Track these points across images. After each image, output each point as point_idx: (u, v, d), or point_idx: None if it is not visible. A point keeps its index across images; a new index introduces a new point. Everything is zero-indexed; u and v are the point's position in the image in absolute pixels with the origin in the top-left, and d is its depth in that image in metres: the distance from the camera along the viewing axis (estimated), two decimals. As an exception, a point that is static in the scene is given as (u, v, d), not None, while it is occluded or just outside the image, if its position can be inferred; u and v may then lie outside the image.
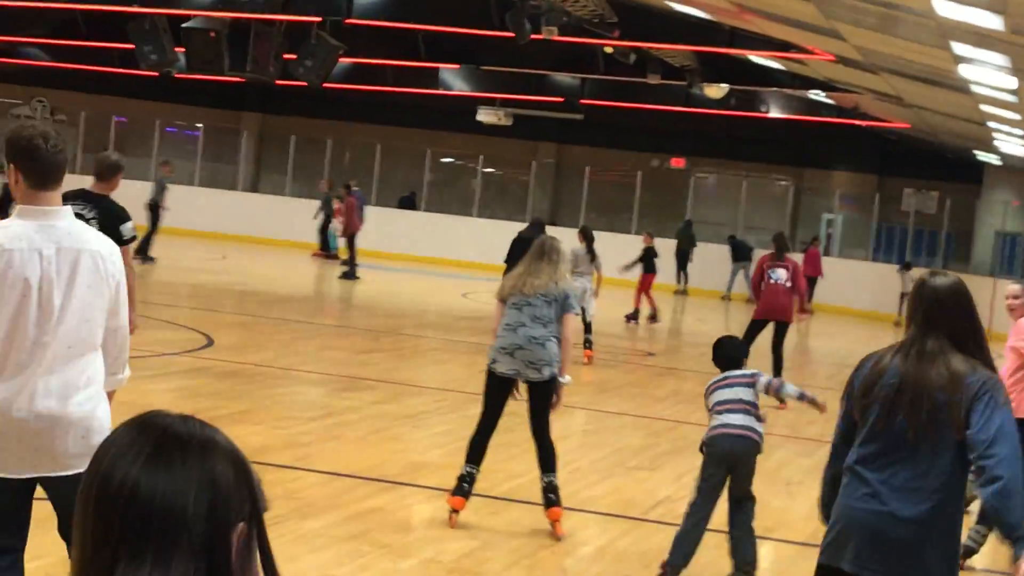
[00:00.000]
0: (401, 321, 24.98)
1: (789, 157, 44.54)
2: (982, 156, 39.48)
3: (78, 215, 6.15)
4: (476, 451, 10.00)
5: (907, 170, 43.01)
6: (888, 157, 43.61)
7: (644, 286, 27.21)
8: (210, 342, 18.17)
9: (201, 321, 20.68)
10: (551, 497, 9.85)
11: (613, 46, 27.00)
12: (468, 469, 9.94)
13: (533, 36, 22.93)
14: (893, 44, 20.61)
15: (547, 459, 9.92)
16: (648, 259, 27.18)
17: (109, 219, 9.93)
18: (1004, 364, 10.28)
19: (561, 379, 10.13)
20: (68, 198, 6.91)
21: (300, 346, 19.84)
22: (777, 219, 44.20)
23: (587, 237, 20.75)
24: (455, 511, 9.89)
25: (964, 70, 20.47)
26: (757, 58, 28.46)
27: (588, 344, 20.22)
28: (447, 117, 43.60)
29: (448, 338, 22.61)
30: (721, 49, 26.91)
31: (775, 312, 17.95)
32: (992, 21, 15.18)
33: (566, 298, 10.10)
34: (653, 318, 27.41)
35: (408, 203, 44.31)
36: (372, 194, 41.82)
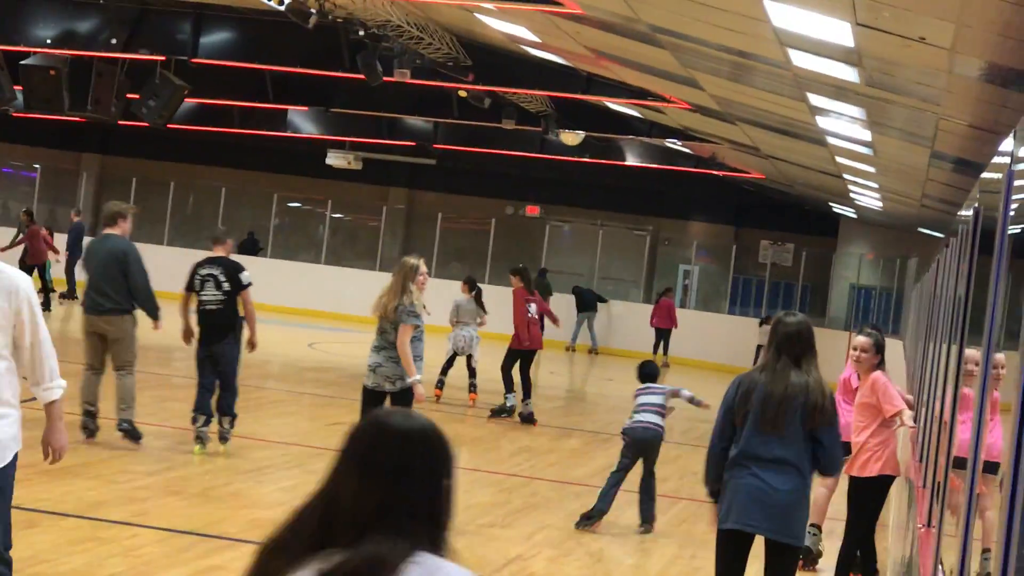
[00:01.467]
0: (244, 372, 24.71)
1: (646, 206, 44.97)
2: (838, 209, 40.28)
3: (211, 275, 13.81)
4: None
5: (764, 221, 43.78)
6: (745, 208, 44.31)
7: None
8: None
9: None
10: None
11: (467, 90, 27.15)
12: None
13: (386, 79, 23.01)
14: (750, 94, 20.97)
15: None
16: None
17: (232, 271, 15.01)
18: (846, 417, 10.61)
19: (411, 380, 12.21)
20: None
21: (138, 396, 19.57)
22: (634, 269, 44.69)
23: (472, 287, 21.96)
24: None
25: (821, 122, 20.88)
26: (614, 105, 28.82)
27: (473, 388, 22.07)
28: (295, 160, 43.47)
29: (293, 390, 22.48)
30: (578, 95, 27.21)
31: (534, 343, 21.02)
32: (848, 73, 15.54)
33: (396, 313, 12.17)
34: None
35: (248, 246, 43.84)
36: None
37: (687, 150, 34.91)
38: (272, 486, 13.75)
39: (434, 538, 3.06)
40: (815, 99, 18.61)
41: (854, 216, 40.95)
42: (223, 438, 15.21)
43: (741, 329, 37.31)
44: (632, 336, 37.97)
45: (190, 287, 15.17)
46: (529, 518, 13.39)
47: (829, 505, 12.43)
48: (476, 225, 43.68)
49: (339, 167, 40.09)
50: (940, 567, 5.68)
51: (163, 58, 25.16)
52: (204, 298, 15.03)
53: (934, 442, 7.31)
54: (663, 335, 36.74)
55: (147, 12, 26.07)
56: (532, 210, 45.68)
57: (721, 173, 37.26)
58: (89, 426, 14.82)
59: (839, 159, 25.36)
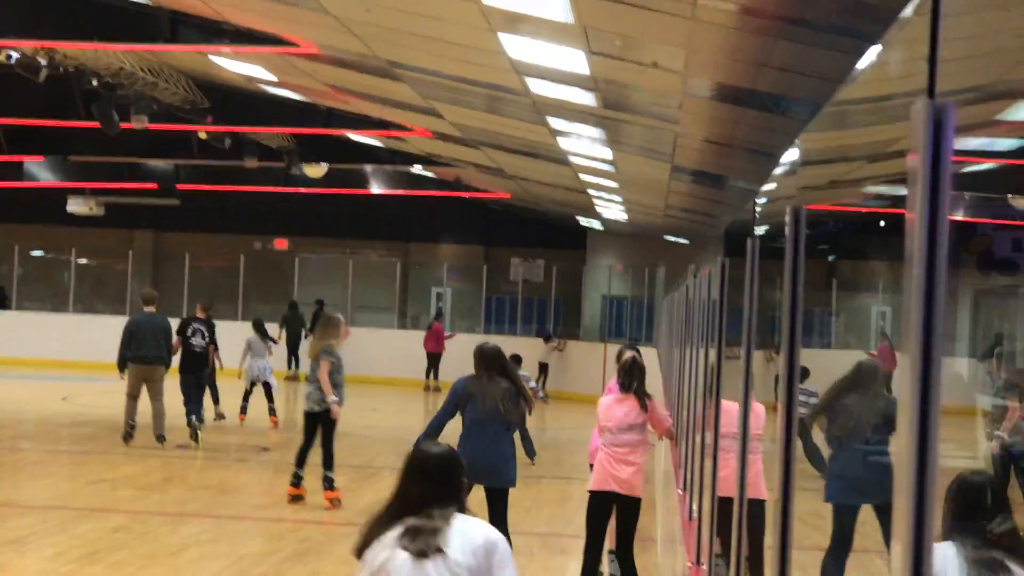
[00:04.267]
0: (-2, 432, 24.12)
1: (395, 232, 45.10)
2: (585, 222, 40.87)
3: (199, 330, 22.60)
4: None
5: (513, 239, 44.21)
6: (493, 227, 44.68)
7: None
8: None
9: None
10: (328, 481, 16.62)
11: (207, 131, 26.87)
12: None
13: (123, 125, 22.66)
14: (491, 120, 21.18)
15: (328, 459, 16.48)
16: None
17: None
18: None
19: (330, 400, 16.10)
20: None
21: None
22: (386, 295, 44.73)
23: (258, 328, 25.83)
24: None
25: (563, 142, 21.18)
26: (356, 136, 28.81)
27: (272, 411, 25.38)
28: (34, 209, 42.42)
29: (50, 448, 21.97)
30: (318, 130, 27.14)
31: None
32: (585, 97, 15.79)
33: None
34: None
35: (-5, 300, 42.79)
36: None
37: (432, 175, 35.08)
38: (35, 555, 13.36)
39: (462, 508, 5.48)
40: (555, 122, 18.88)
41: (601, 229, 41.58)
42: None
43: (508, 347, 37.41)
44: (395, 363, 37.86)
45: None
46: (302, 565, 13.27)
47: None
48: (225, 262, 43.21)
49: (81, 214, 39.31)
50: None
51: None
52: None
53: (698, 472, 7.38)
54: (434, 360, 36.88)
55: None
56: (281, 243, 45.43)
57: (467, 195, 37.49)
58: None
59: (583, 176, 25.76)
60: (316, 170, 32.26)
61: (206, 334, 23.63)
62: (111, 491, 17.24)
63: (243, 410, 25.67)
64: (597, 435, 11.25)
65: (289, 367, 37.89)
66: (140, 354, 21.30)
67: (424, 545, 5.31)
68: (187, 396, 22.72)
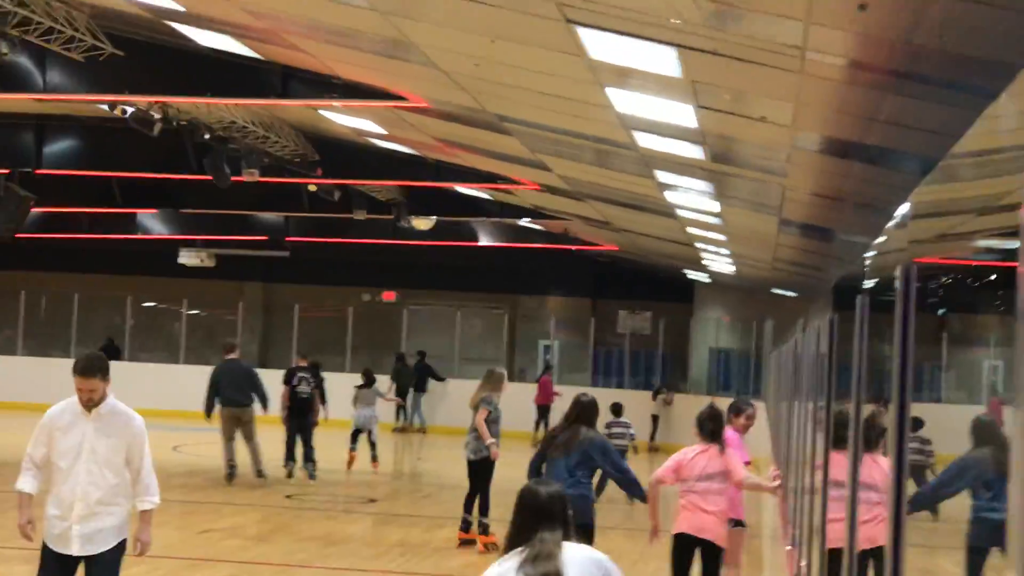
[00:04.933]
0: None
1: (503, 284, 45.12)
2: (692, 275, 40.75)
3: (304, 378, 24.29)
4: None
5: (620, 291, 44.12)
6: (601, 280, 44.62)
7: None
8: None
9: None
10: None
11: (317, 184, 27.15)
12: None
13: (234, 179, 22.95)
14: (598, 173, 21.21)
15: (484, 505, 17.33)
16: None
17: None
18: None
19: (489, 442, 17.19)
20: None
21: None
22: (494, 347, 44.73)
23: (367, 377, 26.40)
24: None
25: (670, 196, 21.16)
26: (464, 189, 28.96)
27: (374, 457, 26.06)
28: (147, 261, 43.01)
29: (161, 497, 22.14)
30: (427, 183, 27.32)
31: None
32: (693, 151, 15.79)
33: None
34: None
35: (111, 352, 43.30)
36: (71, 345, 40.85)
37: (539, 227, 35.17)
38: (146, 604, 13.50)
39: (568, 535, 5.89)
40: (662, 175, 18.87)
41: (708, 281, 41.44)
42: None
43: (607, 400, 37.35)
44: (503, 415, 37.71)
45: None
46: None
47: None
48: (334, 314, 43.51)
49: (192, 265, 39.79)
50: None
51: (7, 171, 24.90)
52: None
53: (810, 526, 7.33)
54: (543, 412, 36.79)
55: (-12, 125, 25.81)
56: (388, 296, 45.66)
57: (575, 247, 37.54)
58: None
59: (690, 229, 25.69)
60: (424, 223, 32.46)
61: (311, 381, 24.75)
62: (220, 541, 17.39)
63: (352, 448, 26.21)
64: (660, 473, 11.48)
65: (398, 418, 38.04)
66: (228, 397, 23.17)
67: (544, 569, 5.70)
68: (291, 441, 24.36)
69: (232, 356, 23.98)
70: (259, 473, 23.22)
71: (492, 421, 17.29)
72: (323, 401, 25.43)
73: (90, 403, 9.24)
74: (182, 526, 18.21)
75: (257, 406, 23.58)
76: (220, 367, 23.87)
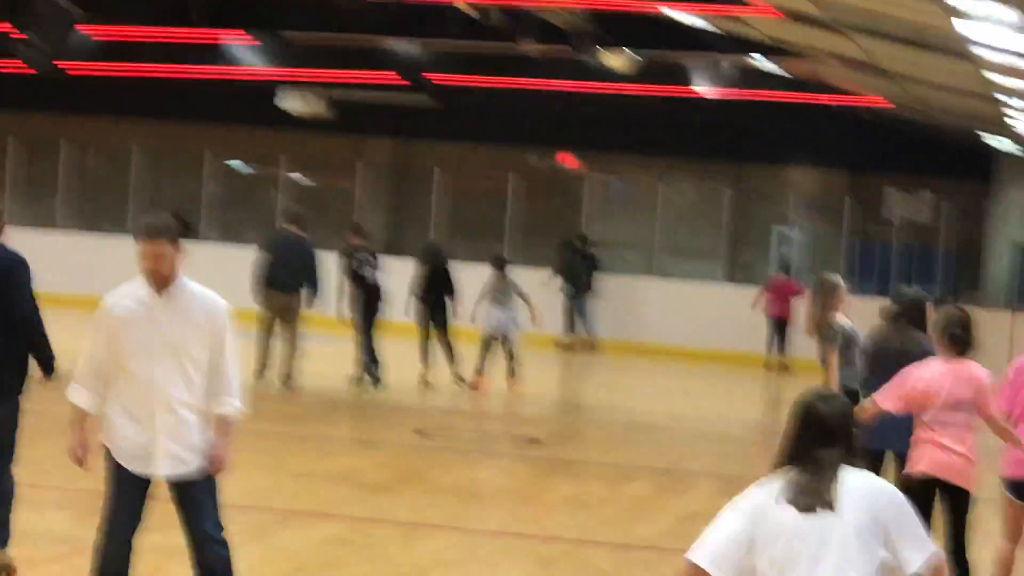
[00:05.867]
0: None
1: (724, 149, 44.74)
2: (991, 141, 40.22)
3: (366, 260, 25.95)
4: None
5: (889, 164, 43.56)
6: (862, 146, 44.06)
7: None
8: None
9: None
10: None
11: (470, 2, 27.17)
12: None
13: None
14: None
15: None
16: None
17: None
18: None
19: None
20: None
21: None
22: (711, 236, 44.62)
23: (500, 266, 27.37)
24: None
25: (960, 26, 20.93)
26: (675, 13, 28.85)
27: (511, 371, 27.19)
28: (235, 106, 43.29)
29: (249, 427, 22.49)
30: (624, 5, 27.25)
31: None
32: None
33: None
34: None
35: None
36: (126, 217, 41.04)
37: (779, 70, 34.94)
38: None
39: (848, 461, 6.46)
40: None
41: (1016, 152, 40.89)
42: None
43: (866, 313, 37.03)
44: (721, 329, 37.37)
45: None
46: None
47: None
48: (488, 184, 43.55)
49: (297, 113, 40.12)
50: None
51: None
52: None
53: None
54: (779, 326, 35.70)
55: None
56: (567, 160, 45.65)
57: (827, 100, 37.25)
58: None
59: (989, 75, 25.44)
60: (618, 60, 32.36)
61: (374, 262, 26.25)
62: (323, 489, 17.44)
63: (479, 371, 27.07)
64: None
65: (569, 330, 37.84)
66: (274, 278, 24.25)
67: (813, 500, 6.35)
68: (369, 341, 25.93)
69: (292, 227, 25.13)
70: (286, 380, 24.41)
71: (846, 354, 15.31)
72: (450, 293, 26.56)
73: (160, 279, 9.28)
74: (272, 467, 18.39)
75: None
76: (273, 239, 25.08)
